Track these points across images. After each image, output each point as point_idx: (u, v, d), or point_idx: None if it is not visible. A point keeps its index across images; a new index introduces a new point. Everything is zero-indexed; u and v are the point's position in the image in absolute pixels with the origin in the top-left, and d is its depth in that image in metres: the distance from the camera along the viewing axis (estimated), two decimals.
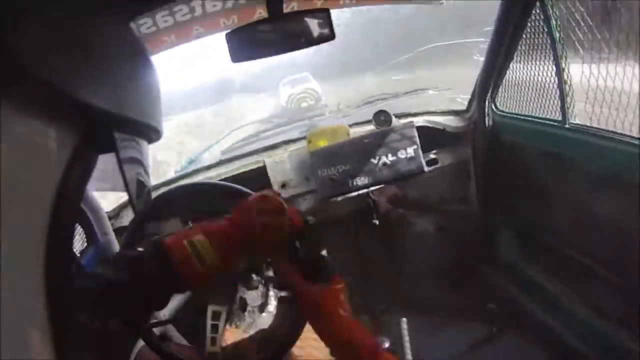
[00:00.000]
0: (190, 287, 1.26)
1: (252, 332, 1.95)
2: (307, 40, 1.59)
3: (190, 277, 1.17)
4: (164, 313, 1.93)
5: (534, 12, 2.02)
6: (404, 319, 2.50)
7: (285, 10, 1.66)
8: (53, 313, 0.69)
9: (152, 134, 0.99)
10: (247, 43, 1.61)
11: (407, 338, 2.37)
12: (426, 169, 2.46)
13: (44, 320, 0.68)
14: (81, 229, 2.12)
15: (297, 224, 1.35)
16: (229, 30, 1.57)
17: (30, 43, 0.56)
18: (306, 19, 1.61)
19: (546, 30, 2.00)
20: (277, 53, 1.62)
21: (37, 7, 0.59)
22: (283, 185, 2.59)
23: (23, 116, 0.60)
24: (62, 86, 0.62)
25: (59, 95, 0.62)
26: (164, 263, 1.16)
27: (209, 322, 1.73)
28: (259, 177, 2.58)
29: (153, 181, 2.88)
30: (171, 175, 3.00)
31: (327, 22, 1.60)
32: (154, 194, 2.51)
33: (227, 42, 1.57)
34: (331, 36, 1.60)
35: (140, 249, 1.22)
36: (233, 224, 1.27)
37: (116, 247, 2.19)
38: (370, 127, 2.64)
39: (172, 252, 1.16)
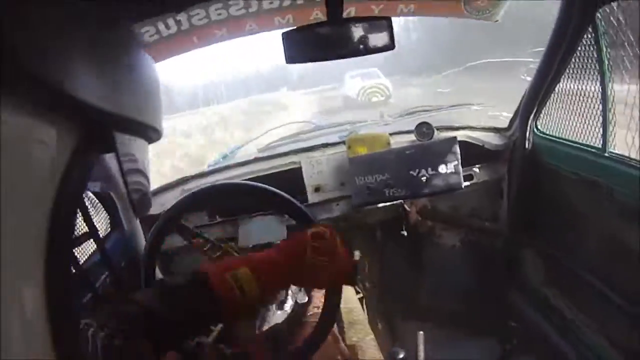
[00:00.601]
0: (232, 318, 1.28)
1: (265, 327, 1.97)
2: (365, 48, 1.56)
3: (232, 310, 1.18)
4: None
5: (585, 36, 1.98)
6: (421, 332, 2.48)
7: (343, 15, 1.63)
8: (53, 313, 0.68)
9: (152, 133, 0.98)
10: (303, 45, 1.60)
11: (422, 351, 2.36)
12: (464, 185, 2.41)
13: (44, 321, 0.67)
14: (106, 214, 2.12)
15: (347, 267, 1.33)
16: (283, 30, 1.56)
17: (30, 43, 0.56)
18: (366, 25, 1.58)
19: (596, 55, 1.96)
20: (333, 58, 1.60)
21: (37, 7, 0.59)
22: (317, 189, 2.57)
23: (23, 116, 0.60)
24: (62, 86, 0.62)
25: (59, 95, 0.62)
26: (206, 296, 1.16)
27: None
28: (293, 178, 2.56)
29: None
30: (204, 168, 2.99)
31: (388, 30, 1.58)
32: (190, 186, 2.53)
33: (283, 42, 1.56)
34: (391, 46, 1.58)
35: (181, 278, 1.23)
36: (281, 258, 1.26)
37: (140, 235, 2.20)
38: (411, 138, 2.62)
39: (216, 285, 1.16)
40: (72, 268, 1.40)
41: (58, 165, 0.69)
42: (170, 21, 2.14)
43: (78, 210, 1.33)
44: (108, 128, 0.78)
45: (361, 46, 1.56)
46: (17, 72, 0.54)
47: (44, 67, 0.58)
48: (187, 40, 2.25)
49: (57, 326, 0.69)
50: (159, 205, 2.42)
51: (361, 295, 3.06)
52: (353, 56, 1.58)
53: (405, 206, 2.77)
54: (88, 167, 0.77)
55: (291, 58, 1.58)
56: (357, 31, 1.56)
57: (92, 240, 1.68)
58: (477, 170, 2.68)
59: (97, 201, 2.00)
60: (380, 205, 2.64)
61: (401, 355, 2.08)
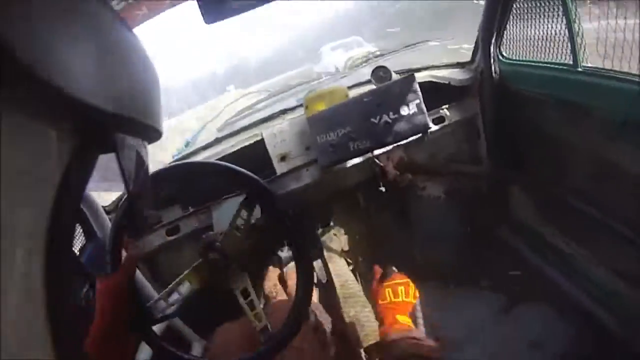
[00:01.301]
0: None
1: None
2: None
3: None
4: (170, 308, 1.90)
5: None
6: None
7: None
8: (53, 313, 0.67)
9: (152, 133, 0.95)
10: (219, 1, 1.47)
11: (420, 314, 2.26)
12: (431, 125, 2.29)
13: (44, 321, 0.66)
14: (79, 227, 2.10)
15: None
16: None
17: (30, 43, 0.52)
18: None
19: None
20: (254, 7, 1.48)
21: (37, 7, 0.55)
22: (283, 158, 2.45)
23: (23, 116, 0.58)
24: (61, 86, 0.58)
25: (59, 95, 0.58)
26: None
27: (243, 303, 1.77)
28: (258, 152, 2.45)
29: None
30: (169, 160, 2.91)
31: None
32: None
33: (198, 3, 1.43)
34: None
35: None
36: None
37: None
38: (370, 87, 2.46)
39: None
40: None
41: (58, 165, 0.67)
42: None
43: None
44: (108, 128, 0.77)
45: None
46: (17, 72, 0.50)
47: (43, 67, 0.54)
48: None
49: (57, 326, 0.67)
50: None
51: (353, 265, 3.00)
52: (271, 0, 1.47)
53: (380, 161, 2.66)
54: (88, 168, 0.76)
55: (209, 18, 1.46)
56: None
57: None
58: (447, 110, 2.57)
59: None
60: (354, 164, 2.54)
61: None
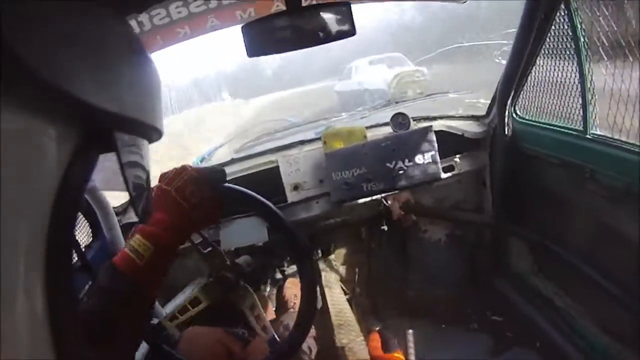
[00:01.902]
0: (146, 289, 1.23)
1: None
2: (325, 36, 1.51)
3: (138, 277, 1.19)
4: (166, 312, 1.93)
5: (558, 15, 1.94)
6: (410, 331, 2.52)
7: (303, 3, 1.58)
8: (53, 314, 0.67)
9: (152, 133, 0.95)
10: (263, 37, 1.56)
11: (412, 350, 2.37)
12: (443, 176, 2.36)
13: (44, 321, 0.66)
14: (87, 223, 2.12)
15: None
16: (245, 23, 1.52)
17: (31, 42, 0.55)
18: (325, 13, 1.53)
19: (570, 34, 1.92)
20: (294, 49, 1.56)
21: (37, 6, 0.58)
22: (296, 187, 2.51)
23: (23, 116, 0.59)
24: (62, 86, 0.60)
25: (59, 95, 0.60)
26: (119, 279, 1.18)
27: (252, 319, 1.83)
28: (271, 178, 2.51)
29: None
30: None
31: (348, 16, 1.53)
32: None
33: (243, 36, 1.52)
34: (352, 31, 1.53)
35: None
36: (160, 213, 1.33)
37: (122, 243, 2.15)
38: (388, 130, 2.57)
39: (120, 264, 1.19)
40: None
41: (58, 165, 0.68)
42: (132, 23, 2.09)
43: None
44: (108, 128, 0.77)
45: (321, 34, 1.51)
46: (17, 72, 0.52)
47: (44, 67, 0.56)
48: (151, 41, 2.20)
49: (58, 327, 0.68)
50: None
51: (349, 295, 3.04)
52: (314, 45, 1.54)
53: (388, 201, 2.73)
54: (88, 167, 0.75)
55: (252, 51, 1.54)
56: (317, 19, 1.52)
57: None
58: (457, 160, 2.63)
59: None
60: (362, 201, 2.59)
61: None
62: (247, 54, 1.53)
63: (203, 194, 1.36)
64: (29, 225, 0.64)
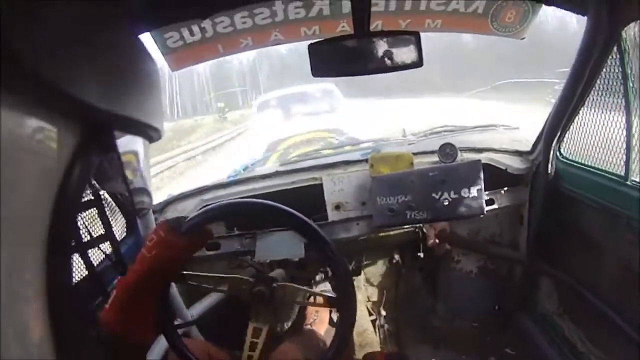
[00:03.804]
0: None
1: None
2: (392, 64, 1.51)
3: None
4: (191, 313, 1.93)
5: (610, 58, 1.91)
6: None
7: (370, 28, 1.58)
8: (53, 313, 0.70)
9: (152, 133, 0.98)
10: (330, 58, 1.56)
11: None
12: (485, 211, 2.33)
13: (45, 320, 0.69)
14: (123, 217, 2.15)
15: None
16: (309, 41, 1.52)
17: (32, 43, 0.56)
18: (393, 40, 1.53)
19: (621, 79, 1.89)
20: (360, 73, 1.57)
21: (37, 7, 0.59)
22: (337, 207, 2.51)
23: (24, 116, 0.60)
24: (63, 86, 0.62)
25: (60, 95, 0.62)
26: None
27: (249, 339, 1.76)
28: (313, 195, 2.50)
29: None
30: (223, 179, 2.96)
31: (417, 46, 1.54)
32: (209, 197, 2.53)
33: (310, 54, 1.52)
34: (419, 63, 1.53)
35: None
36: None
37: None
38: (434, 159, 2.55)
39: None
40: (85, 269, 1.43)
41: (59, 164, 0.70)
42: (195, 28, 2.13)
43: (82, 209, 1.35)
44: (109, 127, 0.79)
45: (388, 61, 1.52)
46: (18, 72, 0.54)
47: (44, 67, 0.58)
48: (212, 48, 2.23)
49: (58, 326, 0.70)
50: (178, 212, 2.47)
51: (374, 317, 3.03)
52: (379, 72, 1.54)
53: (424, 229, 2.72)
54: (89, 167, 0.77)
55: (318, 71, 1.55)
56: (385, 45, 1.52)
57: (107, 242, 1.65)
58: (498, 194, 2.62)
59: (114, 204, 2.00)
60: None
61: None
62: (312, 73, 1.55)
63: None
64: (30, 225, 0.66)
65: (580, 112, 2.20)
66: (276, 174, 2.77)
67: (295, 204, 1.83)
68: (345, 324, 1.76)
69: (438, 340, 2.93)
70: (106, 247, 1.65)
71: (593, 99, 2.11)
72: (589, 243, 2.21)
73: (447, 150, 2.47)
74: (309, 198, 2.43)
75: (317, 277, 2.85)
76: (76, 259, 1.41)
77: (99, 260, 1.70)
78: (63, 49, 0.64)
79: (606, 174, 2.05)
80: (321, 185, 2.53)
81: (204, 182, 2.82)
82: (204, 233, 1.65)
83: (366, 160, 2.56)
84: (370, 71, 1.53)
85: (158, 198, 2.61)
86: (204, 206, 2.33)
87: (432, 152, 2.64)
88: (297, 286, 1.86)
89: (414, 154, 2.55)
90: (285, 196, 2.15)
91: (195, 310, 2.24)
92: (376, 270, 3.18)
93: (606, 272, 2.14)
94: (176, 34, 2.12)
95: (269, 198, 1.98)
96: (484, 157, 2.63)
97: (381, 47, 1.51)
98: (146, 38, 1.96)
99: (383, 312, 3.16)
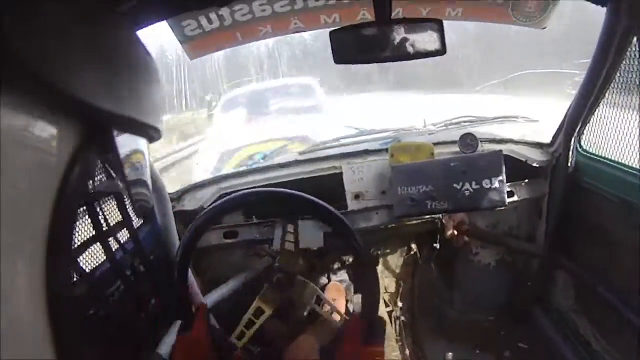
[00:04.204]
0: None
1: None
2: (415, 52, 1.49)
3: None
4: (208, 302, 1.94)
5: (631, 50, 1.87)
6: (450, 354, 2.55)
7: (391, 16, 1.56)
8: (53, 312, 0.70)
9: (152, 133, 0.99)
10: (351, 45, 1.54)
11: None
12: (507, 203, 2.31)
13: (45, 319, 0.69)
14: (139, 204, 2.12)
15: None
16: (329, 29, 1.51)
17: (32, 44, 0.56)
18: (416, 28, 1.50)
19: None
20: (382, 61, 1.56)
21: (38, 8, 0.59)
22: (357, 196, 2.50)
23: (24, 116, 0.61)
24: (63, 86, 0.62)
25: (60, 95, 0.62)
26: None
27: (249, 314, 1.76)
28: (333, 184, 2.49)
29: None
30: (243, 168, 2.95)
31: (439, 34, 1.51)
32: (228, 185, 2.53)
33: (331, 42, 1.51)
34: (442, 51, 1.52)
35: None
36: None
37: (174, 231, 2.18)
38: (455, 149, 2.53)
39: None
40: (102, 258, 1.46)
41: (59, 164, 0.71)
42: (213, 16, 2.12)
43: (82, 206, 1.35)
44: (108, 127, 0.80)
45: (411, 49, 1.50)
46: (18, 72, 0.54)
47: (44, 67, 0.59)
48: (230, 36, 2.22)
49: (57, 325, 0.70)
50: (196, 201, 2.47)
51: (390, 308, 3.02)
52: (402, 60, 1.53)
53: (443, 220, 2.69)
54: (89, 166, 0.79)
55: (340, 59, 1.54)
56: (407, 33, 1.50)
57: (125, 230, 1.67)
58: (518, 187, 2.61)
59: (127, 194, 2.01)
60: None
61: None
62: (335, 60, 1.53)
63: None
64: (30, 224, 0.67)
65: (601, 104, 2.16)
66: (295, 162, 2.77)
67: (315, 193, 1.85)
68: (371, 311, 1.79)
69: (453, 333, 2.92)
70: (124, 235, 1.67)
71: (614, 92, 2.07)
72: (608, 238, 2.19)
73: (468, 141, 2.44)
74: (329, 187, 2.42)
75: (335, 266, 2.84)
76: (95, 247, 1.43)
77: (117, 247, 1.68)
78: (63, 49, 0.65)
79: (628, 169, 2.02)
80: (341, 174, 2.52)
81: None
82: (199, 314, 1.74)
83: (386, 150, 2.55)
84: (392, 58, 1.51)
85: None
86: (223, 195, 2.33)
87: (452, 143, 2.62)
88: (316, 288, 1.91)
89: (435, 144, 2.53)
90: (305, 185, 2.14)
91: (211, 298, 2.25)
92: (393, 261, 3.18)
93: (625, 270, 2.10)
94: (194, 22, 2.12)
95: (288, 187, 1.99)
96: (504, 149, 2.58)
97: (403, 35, 1.49)
98: (163, 27, 1.95)
99: (399, 304, 3.15)
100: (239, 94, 9.05)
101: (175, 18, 2.06)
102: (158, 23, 1.85)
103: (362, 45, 1.51)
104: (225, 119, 7.87)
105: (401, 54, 1.49)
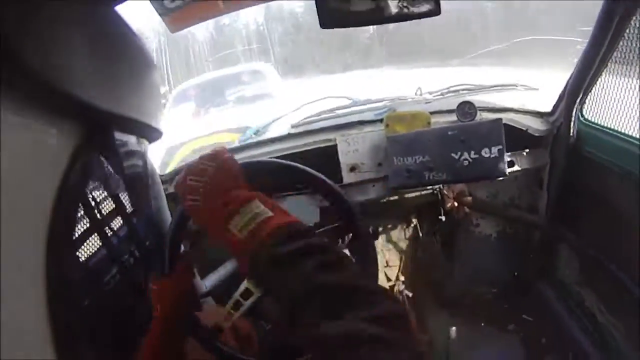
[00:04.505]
0: None
1: None
2: (408, 12, 1.41)
3: None
4: (206, 284, 1.90)
5: (635, 19, 1.81)
6: (454, 328, 2.53)
7: None
8: (54, 312, 0.69)
9: (152, 133, 1.02)
10: (340, 6, 1.46)
11: (452, 346, 2.41)
12: (507, 172, 2.27)
13: (45, 319, 0.69)
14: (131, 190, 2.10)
15: None
16: None
17: (32, 44, 0.56)
18: None
19: None
20: (373, 23, 1.49)
21: (38, 8, 0.58)
22: (353, 169, 2.45)
23: (24, 116, 0.61)
24: (63, 86, 0.63)
25: (60, 95, 0.63)
26: None
27: (237, 295, 1.72)
28: (328, 156, 2.45)
29: None
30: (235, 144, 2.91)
31: None
32: None
33: (317, 4, 1.43)
34: (436, 11, 1.44)
35: None
36: None
37: (167, 212, 2.09)
38: (452, 118, 2.48)
39: None
40: (100, 251, 1.40)
41: (58, 164, 0.70)
42: None
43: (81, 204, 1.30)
44: (108, 127, 0.81)
45: (404, 10, 1.42)
46: (18, 72, 0.54)
47: (44, 67, 0.58)
48: (212, 5, 2.14)
49: (57, 324, 0.69)
50: None
51: (392, 282, 2.99)
52: (394, 21, 1.47)
53: (443, 191, 2.66)
54: (89, 167, 0.78)
55: (325, 23, 1.46)
56: None
57: (119, 217, 1.59)
58: (519, 156, 2.56)
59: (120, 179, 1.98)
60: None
61: None
62: (320, 24, 1.46)
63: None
64: (30, 224, 0.66)
65: (603, 73, 2.10)
66: (288, 136, 2.73)
67: (309, 166, 1.79)
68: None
69: (456, 306, 2.90)
70: (118, 222, 1.62)
71: (617, 60, 2.01)
72: (610, 210, 2.15)
73: (466, 109, 2.40)
74: (323, 160, 2.37)
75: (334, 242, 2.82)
76: (94, 242, 1.39)
77: (115, 239, 1.65)
78: (64, 50, 0.64)
79: (632, 139, 1.96)
80: (335, 146, 2.47)
81: None
82: (183, 266, 1.62)
83: (381, 120, 2.50)
84: (384, 20, 1.45)
85: None
86: None
87: (449, 111, 2.56)
88: None
89: (431, 113, 2.48)
90: (299, 159, 2.10)
91: (209, 281, 2.22)
92: (394, 234, 3.15)
93: (628, 242, 2.04)
94: None
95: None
96: (503, 117, 2.52)
97: None
98: (144, 4, 1.88)
99: (401, 277, 3.13)
100: (191, 85, 8.84)
101: None
102: None
103: (349, 6, 1.44)
104: (175, 113, 7.62)
105: (393, 15, 1.43)
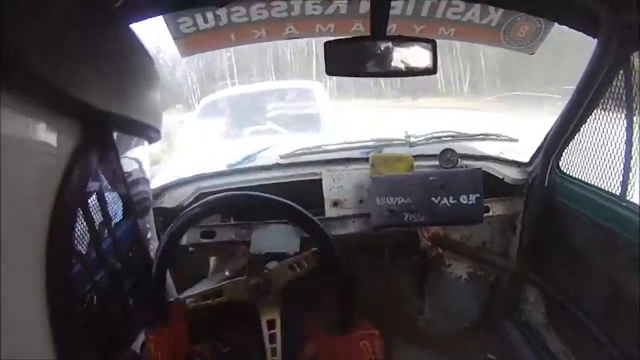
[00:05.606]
0: None
1: None
2: (407, 69, 1.53)
3: None
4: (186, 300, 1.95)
5: (616, 81, 1.94)
6: None
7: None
8: (53, 311, 0.70)
9: (152, 133, 1.00)
10: (345, 57, 1.58)
11: None
12: (482, 218, 2.38)
13: (45, 319, 0.69)
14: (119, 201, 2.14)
15: None
16: (322, 38, 1.54)
17: (32, 44, 0.57)
18: (410, 46, 1.55)
19: (625, 99, 1.90)
20: (375, 75, 1.59)
21: (38, 8, 0.60)
22: (335, 203, 2.53)
23: (24, 116, 0.61)
24: (63, 86, 0.63)
25: (60, 95, 0.63)
26: None
27: (266, 333, 1.77)
28: (312, 190, 2.52)
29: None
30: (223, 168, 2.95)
31: (432, 53, 1.56)
32: (207, 184, 2.53)
33: (325, 52, 1.54)
34: (432, 70, 1.55)
35: None
36: None
37: (152, 227, 2.19)
38: (434, 163, 2.60)
39: None
40: (75, 258, 1.37)
41: (58, 165, 0.71)
42: (209, 15, 2.14)
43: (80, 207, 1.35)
44: (108, 128, 0.83)
45: (402, 66, 1.53)
46: (19, 72, 0.55)
47: (45, 68, 0.59)
48: (224, 37, 2.24)
49: (57, 324, 0.70)
50: (174, 200, 2.48)
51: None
52: (393, 76, 1.57)
53: (418, 231, 2.73)
54: (89, 167, 0.79)
55: (332, 70, 1.57)
56: (401, 50, 1.54)
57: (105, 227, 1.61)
58: (494, 202, 2.65)
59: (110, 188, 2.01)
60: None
61: None
62: (327, 70, 1.56)
63: None
64: (30, 224, 0.67)
65: (581, 129, 2.22)
66: (276, 166, 2.79)
67: (294, 198, 1.87)
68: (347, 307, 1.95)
69: (423, 341, 2.95)
70: (104, 231, 1.66)
71: (595, 118, 2.13)
72: (579, 258, 2.24)
73: (448, 156, 2.52)
74: (308, 192, 2.45)
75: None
76: (89, 245, 1.43)
77: (105, 245, 1.69)
78: (64, 50, 0.65)
79: (602, 192, 2.07)
80: (320, 180, 2.55)
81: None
82: (175, 312, 1.73)
83: (367, 159, 2.59)
84: (384, 74, 1.56)
85: None
86: (202, 194, 2.35)
87: (432, 156, 2.67)
88: (284, 262, 1.95)
89: (415, 156, 2.59)
90: (284, 189, 2.17)
91: (186, 294, 2.25)
92: (364, 268, 3.17)
93: (594, 289, 2.15)
94: (190, 19, 2.14)
95: (268, 190, 2.01)
96: (482, 165, 2.65)
97: (397, 51, 1.52)
98: (158, 23, 1.96)
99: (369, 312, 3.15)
100: (220, 98, 7.41)
101: (172, 14, 2.08)
102: (154, 17, 1.88)
103: (355, 58, 1.54)
104: (200, 128, 6.33)
105: (393, 70, 1.53)
